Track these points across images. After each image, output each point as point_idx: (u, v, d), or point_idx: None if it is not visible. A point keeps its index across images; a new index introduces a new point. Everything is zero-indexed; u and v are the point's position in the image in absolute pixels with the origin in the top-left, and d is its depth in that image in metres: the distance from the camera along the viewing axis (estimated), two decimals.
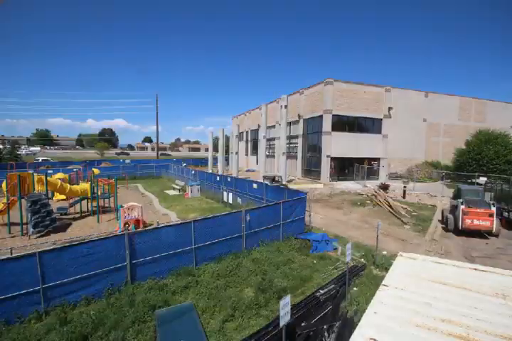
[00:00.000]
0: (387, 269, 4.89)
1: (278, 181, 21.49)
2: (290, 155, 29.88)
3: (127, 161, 43.41)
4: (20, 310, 6.04)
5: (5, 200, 13.18)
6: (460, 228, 11.74)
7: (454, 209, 12.73)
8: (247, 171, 37.94)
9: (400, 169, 27.95)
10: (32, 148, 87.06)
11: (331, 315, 5.99)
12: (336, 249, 10.47)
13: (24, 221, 12.59)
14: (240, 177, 23.20)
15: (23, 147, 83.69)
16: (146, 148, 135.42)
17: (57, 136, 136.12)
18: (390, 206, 16.38)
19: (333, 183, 24.36)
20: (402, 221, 14.13)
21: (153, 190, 24.66)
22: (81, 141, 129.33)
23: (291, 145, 30.70)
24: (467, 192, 12.99)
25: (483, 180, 21.21)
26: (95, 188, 15.49)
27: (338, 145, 25.36)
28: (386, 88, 26.86)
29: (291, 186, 20.28)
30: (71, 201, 17.26)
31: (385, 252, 10.07)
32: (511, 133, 24.62)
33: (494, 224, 11.33)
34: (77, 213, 15.98)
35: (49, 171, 26.05)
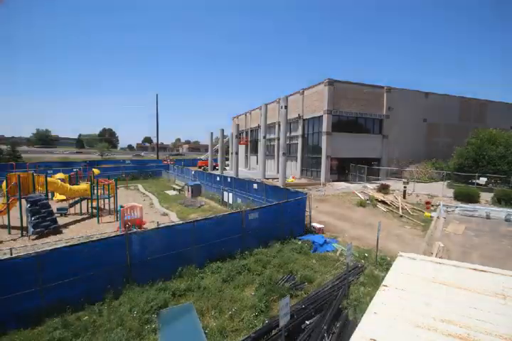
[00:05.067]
0: (387, 269, 4.90)
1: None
2: (290, 155, 29.88)
3: (127, 161, 43.52)
4: (20, 310, 6.04)
5: (5, 201, 13.17)
6: None
7: None
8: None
9: (400, 169, 27.93)
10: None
11: (331, 315, 5.99)
12: (336, 249, 10.46)
13: (24, 221, 12.59)
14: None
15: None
16: (147, 149, 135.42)
17: (57, 136, 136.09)
18: (389, 205, 16.39)
19: (333, 184, 24.35)
20: (401, 220, 14.12)
21: (154, 190, 24.66)
22: (81, 142, 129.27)
23: (291, 145, 30.71)
24: None
25: (483, 180, 21.19)
26: (95, 188, 15.50)
27: (338, 145, 25.36)
28: (386, 88, 26.86)
29: (291, 186, 20.27)
30: (71, 201, 17.27)
31: (384, 252, 10.07)
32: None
33: None
34: (77, 214, 15.99)
35: (49, 171, 26.05)
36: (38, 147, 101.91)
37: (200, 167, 41.14)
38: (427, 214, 15.02)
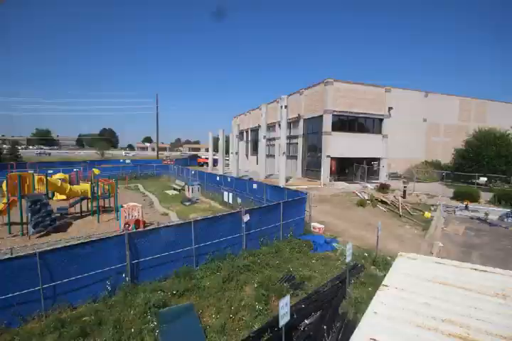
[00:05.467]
0: (387, 269, 4.89)
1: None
2: (290, 155, 29.87)
3: (127, 161, 43.53)
4: (20, 311, 6.03)
5: (5, 200, 13.17)
6: None
7: None
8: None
9: (400, 169, 27.94)
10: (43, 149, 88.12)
11: (331, 315, 5.99)
12: (336, 249, 10.46)
13: (24, 221, 12.59)
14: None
15: (34, 147, 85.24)
16: (147, 148, 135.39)
17: (58, 135, 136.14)
18: (389, 204, 16.39)
19: (333, 183, 24.34)
20: (401, 220, 14.13)
21: (154, 190, 24.66)
22: (81, 141, 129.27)
23: (291, 145, 30.71)
24: None
25: (483, 180, 21.21)
26: (95, 188, 15.48)
27: (338, 145, 25.35)
28: (386, 88, 26.84)
29: (291, 186, 20.25)
30: (71, 201, 17.25)
31: (384, 252, 10.07)
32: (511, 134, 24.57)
33: None
34: (77, 213, 15.98)
35: (49, 171, 26.04)
36: (37, 148, 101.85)
37: (199, 163, 41.26)
38: (427, 214, 15.03)
